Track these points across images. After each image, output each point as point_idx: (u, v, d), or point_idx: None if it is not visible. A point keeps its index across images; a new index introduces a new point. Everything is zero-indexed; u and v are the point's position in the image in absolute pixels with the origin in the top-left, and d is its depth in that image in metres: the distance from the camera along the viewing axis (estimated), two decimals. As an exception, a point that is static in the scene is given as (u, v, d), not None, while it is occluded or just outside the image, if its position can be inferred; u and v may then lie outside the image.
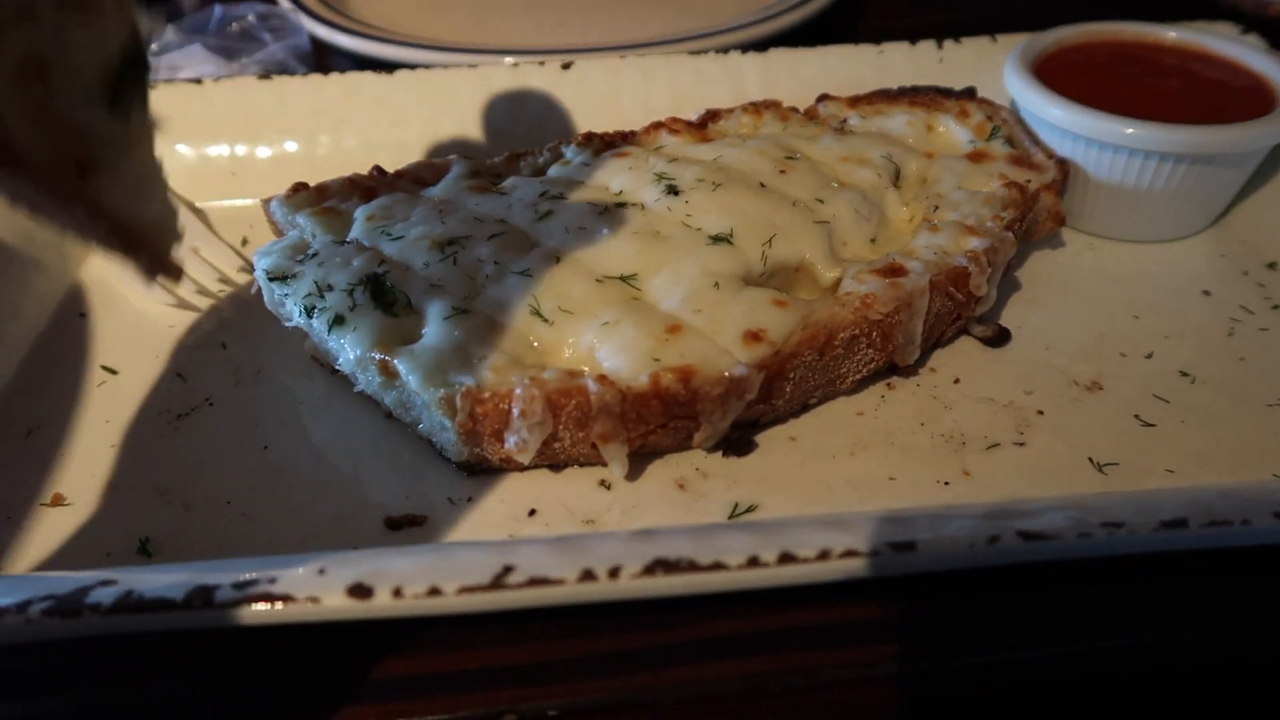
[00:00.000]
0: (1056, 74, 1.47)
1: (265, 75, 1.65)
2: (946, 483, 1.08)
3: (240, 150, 1.57)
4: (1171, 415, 1.16)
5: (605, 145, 1.43)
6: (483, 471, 1.09)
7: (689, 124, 1.47)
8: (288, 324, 1.18)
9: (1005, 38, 1.66)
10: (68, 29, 0.64)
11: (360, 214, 1.26)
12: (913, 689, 0.88)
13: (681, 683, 0.87)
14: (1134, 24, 1.57)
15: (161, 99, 1.47)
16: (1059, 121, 1.39)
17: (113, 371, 1.24)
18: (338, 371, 1.14)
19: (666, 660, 0.89)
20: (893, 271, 1.17)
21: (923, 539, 0.87)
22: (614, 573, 0.85)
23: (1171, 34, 1.55)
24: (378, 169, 1.37)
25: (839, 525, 0.89)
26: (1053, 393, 1.19)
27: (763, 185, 1.27)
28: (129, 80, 0.70)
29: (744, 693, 0.87)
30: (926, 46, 1.67)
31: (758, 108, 1.51)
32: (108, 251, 0.73)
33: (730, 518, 1.04)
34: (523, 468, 1.09)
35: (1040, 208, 1.34)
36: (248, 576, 0.84)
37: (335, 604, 0.82)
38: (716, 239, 1.18)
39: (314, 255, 1.19)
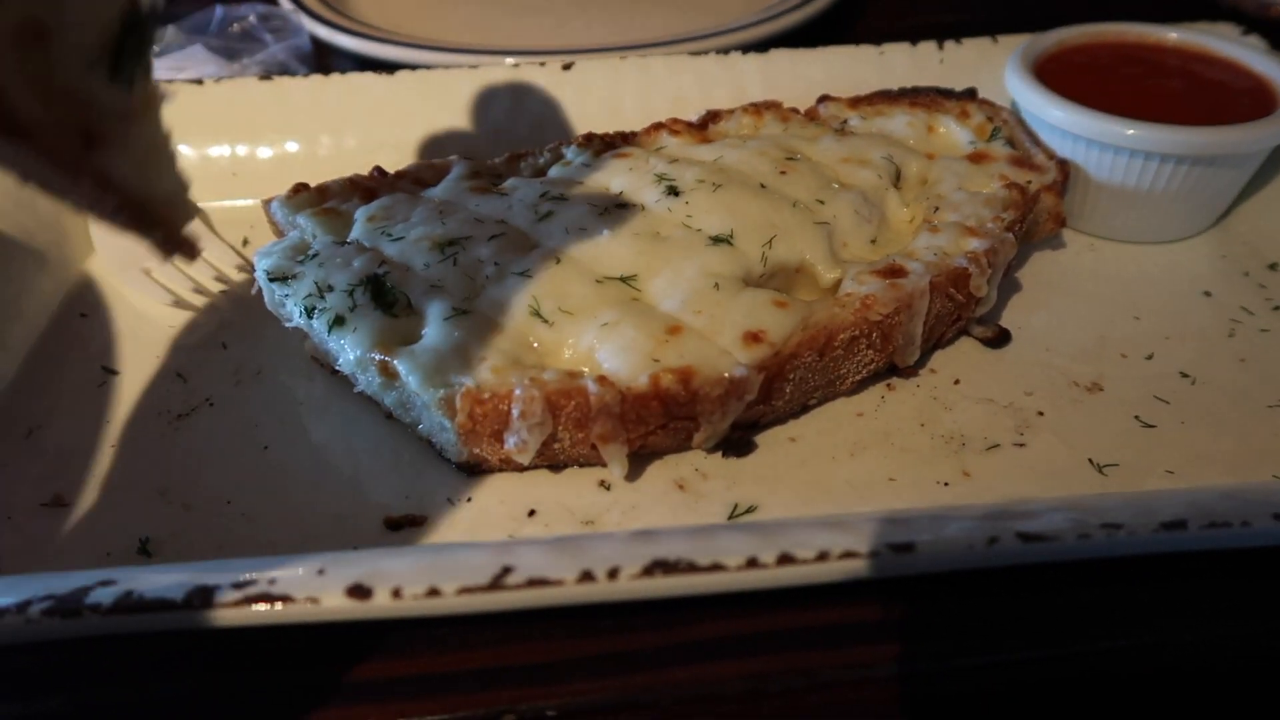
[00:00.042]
0: (1057, 75, 1.47)
1: (266, 76, 1.65)
2: (946, 483, 1.08)
3: (241, 151, 1.57)
4: (1172, 416, 1.15)
5: (606, 146, 1.43)
6: (482, 472, 1.09)
7: (689, 125, 1.47)
8: (288, 324, 1.18)
9: (1006, 38, 1.66)
10: None
11: (361, 214, 1.26)
12: (913, 690, 0.88)
13: (681, 683, 0.87)
14: (1135, 25, 1.57)
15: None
16: (1060, 122, 1.39)
17: (113, 371, 1.24)
18: (338, 372, 1.14)
19: (666, 661, 0.89)
20: (893, 272, 1.17)
21: (922, 540, 0.87)
22: (613, 573, 0.85)
23: (1173, 35, 1.55)
24: (378, 169, 1.37)
25: (838, 526, 0.89)
26: (1053, 394, 1.19)
27: (763, 186, 1.27)
28: (130, 46, 0.68)
29: (743, 693, 0.87)
30: (927, 47, 1.67)
31: (758, 108, 1.50)
32: (120, 228, 0.72)
33: (730, 518, 1.04)
34: (522, 468, 1.09)
35: (1041, 209, 1.34)
36: (247, 577, 0.84)
37: (335, 604, 0.83)
38: (717, 240, 1.18)
39: (314, 256, 1.19)
